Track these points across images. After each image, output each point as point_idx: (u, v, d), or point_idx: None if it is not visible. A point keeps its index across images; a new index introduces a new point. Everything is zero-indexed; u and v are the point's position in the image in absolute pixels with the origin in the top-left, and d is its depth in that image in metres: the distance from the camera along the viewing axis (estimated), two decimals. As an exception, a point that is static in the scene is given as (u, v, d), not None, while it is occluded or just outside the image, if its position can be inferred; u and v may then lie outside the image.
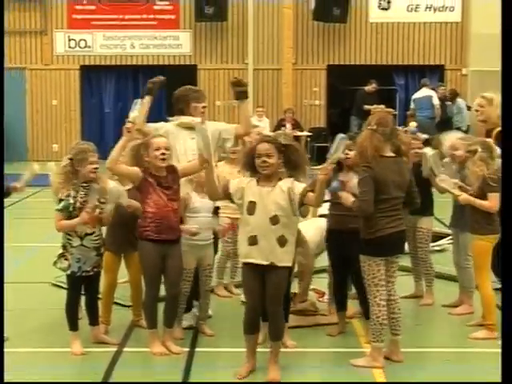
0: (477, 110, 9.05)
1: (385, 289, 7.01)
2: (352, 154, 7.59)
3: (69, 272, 7.34)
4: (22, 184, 7.89)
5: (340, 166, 7.69)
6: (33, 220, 14.06)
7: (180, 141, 7.88)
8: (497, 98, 8.81)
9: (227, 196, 6.86)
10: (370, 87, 21.58)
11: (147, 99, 8.01)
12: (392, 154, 6.99)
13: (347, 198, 7.05)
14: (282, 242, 6.62)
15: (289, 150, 6.72)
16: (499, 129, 8.40)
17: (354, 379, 6.81)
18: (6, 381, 5.53)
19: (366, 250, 6.97)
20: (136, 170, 7.22)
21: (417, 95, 20.57)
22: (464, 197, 7.75)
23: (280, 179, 6.67)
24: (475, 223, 7.81)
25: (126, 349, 7.50)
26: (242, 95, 8.04)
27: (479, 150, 7.76)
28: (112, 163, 7.15)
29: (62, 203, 7.20)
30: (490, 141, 8.23)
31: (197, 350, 7.46)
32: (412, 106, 20.41)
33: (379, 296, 6.95)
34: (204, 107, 8.10)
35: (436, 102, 20.30)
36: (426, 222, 8.76)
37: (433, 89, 20.73)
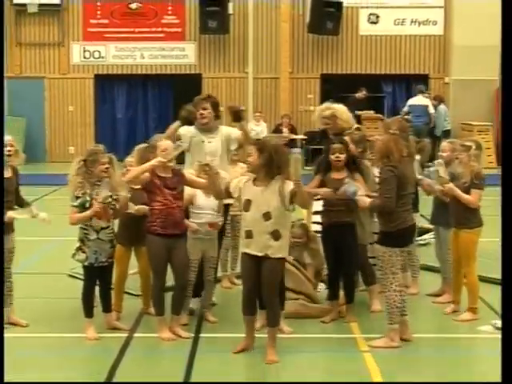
0: (327, 124, 8.59)
1: (400, 276, 7.16)
2: (343, 157, 7.66)
3: (86, 263, 7.35)
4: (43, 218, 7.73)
5: (329, 166, 7.75)
6: (50, 216, 14.03)
7: (199, 143, 7.93)
8: (339, 108, 8.68)
9: (229, 195, 6.97)
10: (361, 94, 21.54)
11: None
12: (405, 155, 7.15)
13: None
14: (276, 236, 6.70)
15: (267, 149, 6.75)
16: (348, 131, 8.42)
17: (346, 362, 6.82)
18: (6, 381, 5.45)
19: (388, 241, 7.09)
20: (145, 175, 7.23)
21: (412, 101, 20.41)
22: (450, 186, 7.75)
23: (272, 178, 6.71)
24: (464, 219, 7.85)
25: (136, 334, 7.51)
26: (238, 117, 8.14)
27: (473, 147, 7.83)
28: (130, 180, 7.24)
29: (79, 200, 7.23)
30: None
31: (201, 335, 7.47)
32: (405, 109, 20.28)
33: (395, 283, 7.08)
34: (201, 113, 8.08)
35: (432, 110, 20.21)
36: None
37: (427, 97, 20.61)
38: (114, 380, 6.36)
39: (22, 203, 7.86)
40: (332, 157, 7.73)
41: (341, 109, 8.70)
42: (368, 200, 7.17)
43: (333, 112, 8.55)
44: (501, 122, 6.06)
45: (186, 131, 8.08)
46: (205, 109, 8.11)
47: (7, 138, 7.64)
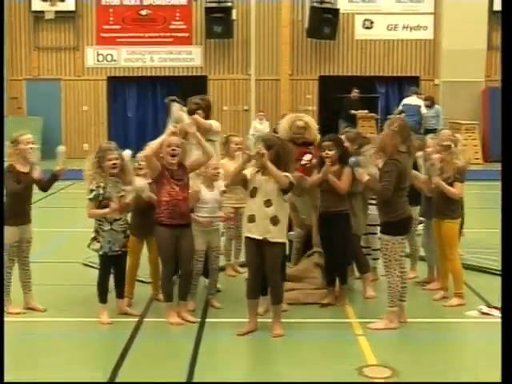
0: (299, 133, 8.38)
1: (402, 262, 7.24)
2: (332, 153, 7.70)
3: (101, 252, 7.36)
4: (61, 167, 7.80)
5: (323, 161, 7.80)
6: (66, 209, 14.05)
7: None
8: (310, 119, 8.65)
9: (245, 184, 7.04)
10: (354, 93, 21.51)
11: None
12: (405, 151, 7.18)
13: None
14: (274, 221, 6.85)
15: (276, 146, 6.92)
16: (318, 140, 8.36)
17: (342, 345, 6.82)
18: (6, 381, 5.37)
19: (390, 231, 7.15)
20: (159, 164, 7.26)
21: (407, 101, 20.33)
22: (438, 180, 7.80)
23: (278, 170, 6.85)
24: (448, 210, 7.91)
25: (146, 319, 7.51)
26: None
27: (452, 145, 7.94)
28: (150, 152, 7.20)
29: (93, 193, 7.25)
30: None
31: (207, 320, 7.47)
32: (400, 108, 20.23)
33: (398, 269, 7.15)
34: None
35: (424, 111, 20.15)
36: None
37: (419, 97, 20.54)
38: (126, 361, 6.36)
39: (46, 186, 7.83)
40: (323, 153, 7.79)
41: (311, 120, 8.71)
42: (367, 176, 7.21)
43: (306, 122, 8.54)
44: (501, 122, 6.01)
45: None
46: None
47: (29, 136, 7.64)
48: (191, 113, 8.24)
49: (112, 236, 7.32)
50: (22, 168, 7.50)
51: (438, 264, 8.36)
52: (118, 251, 7.40)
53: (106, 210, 7.20)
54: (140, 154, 7.71)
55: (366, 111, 21.41)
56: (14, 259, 7.57)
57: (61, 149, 7.86)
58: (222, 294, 8.27)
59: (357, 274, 8.53)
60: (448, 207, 7.91)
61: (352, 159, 7.51)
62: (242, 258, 8.98)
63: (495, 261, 9.26)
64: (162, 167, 7.21)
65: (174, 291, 7.43)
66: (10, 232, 7.43)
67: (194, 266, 7.56)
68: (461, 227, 8.33)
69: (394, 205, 7.09)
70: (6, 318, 7.33)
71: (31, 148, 7.58)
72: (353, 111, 21.12)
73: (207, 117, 8.29)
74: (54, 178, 7.79)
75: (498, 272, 8.87)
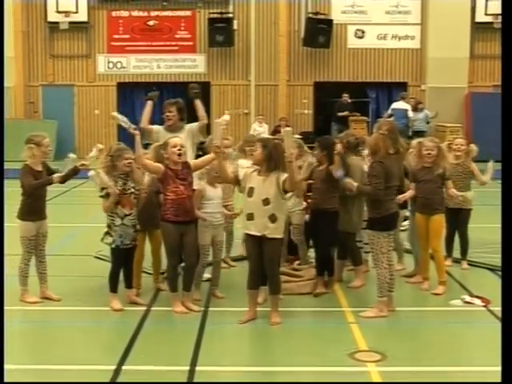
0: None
1: (390, 256, 7.25)
2: (316, 153, 7.98)
3: (113, 246, 7.37)
4: (85, 163, 7.74)
5: (320, 162, 7.83)
6: (79, 205, 14.04)
7: (163, 140, 7.80)
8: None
9: (237, 182, 7.13)
10: (344, 97, 21.48)
11: (149, 104, 8.30)
12: (393, 153, 7.18)
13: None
14: (272, 219, 6.80)
15: (269, 146, 6.91)
16: None
17: (335, 332, 6.82)
18: (5, 381, 5.23)
19: (376, 226, 7.15)
20: (159, 165, 7.25)
21: (395, 105, 20.32)
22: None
23: (272, 171, 6.82)
24: (440, 205, 7.97)
25: (153, 308, 7.51)
26: (196, 95, 8.34)
27: (442, 145, 8.17)
28: (141, 160, 7.20)
29: (104, 191, 7.26)
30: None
31: (210, 309, 7.47)
32: (389, 112, 20.19)
33: (385, 262, 7.15)
34: (167, 116, 8.25)
35: (411, 114, 20.14)
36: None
37: (407, 102, 20.51)
38: (134, 347, 6.37)
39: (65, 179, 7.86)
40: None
41: None
42: (355, 184, 7.24)
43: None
44: (501, 122, 5.99)
45: (157, 130, 8.24)
46: (170, 112, 8.20)
47: (48, 139, 7.64)
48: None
49: (123, 230, 7.34)
50: (38, 167, 7.51)
51: (421, 256, 8.30)
52: (129, 244, 7.41)
53: (111, 199, 7.23)
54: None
55: (358, 114, 21.38)
56: (31, 252, 7.59)
57: (71, 156, 7.76)
58: (224, 285, 8.25)
59: (350, 266, 8.55)
60: (440, 202, 7.97)
61: (338, 173, 7.45)
62: (233, 253, 9.03)
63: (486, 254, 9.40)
64: (165, 168, 7.21)
65: (179, 283, 7.43)
66: (27, 227, 7.47)
67: (201, 259, 7.58)
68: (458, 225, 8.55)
69: (380, 202, 7.06)
70: (24, 307, 7.38)
71: (50, 150, 7.65)
72: (340, 113, 21.12)
73: (181, 119, 8.29)
74: (75, 171, 7.76)
75: (491, 267, 8.90)
